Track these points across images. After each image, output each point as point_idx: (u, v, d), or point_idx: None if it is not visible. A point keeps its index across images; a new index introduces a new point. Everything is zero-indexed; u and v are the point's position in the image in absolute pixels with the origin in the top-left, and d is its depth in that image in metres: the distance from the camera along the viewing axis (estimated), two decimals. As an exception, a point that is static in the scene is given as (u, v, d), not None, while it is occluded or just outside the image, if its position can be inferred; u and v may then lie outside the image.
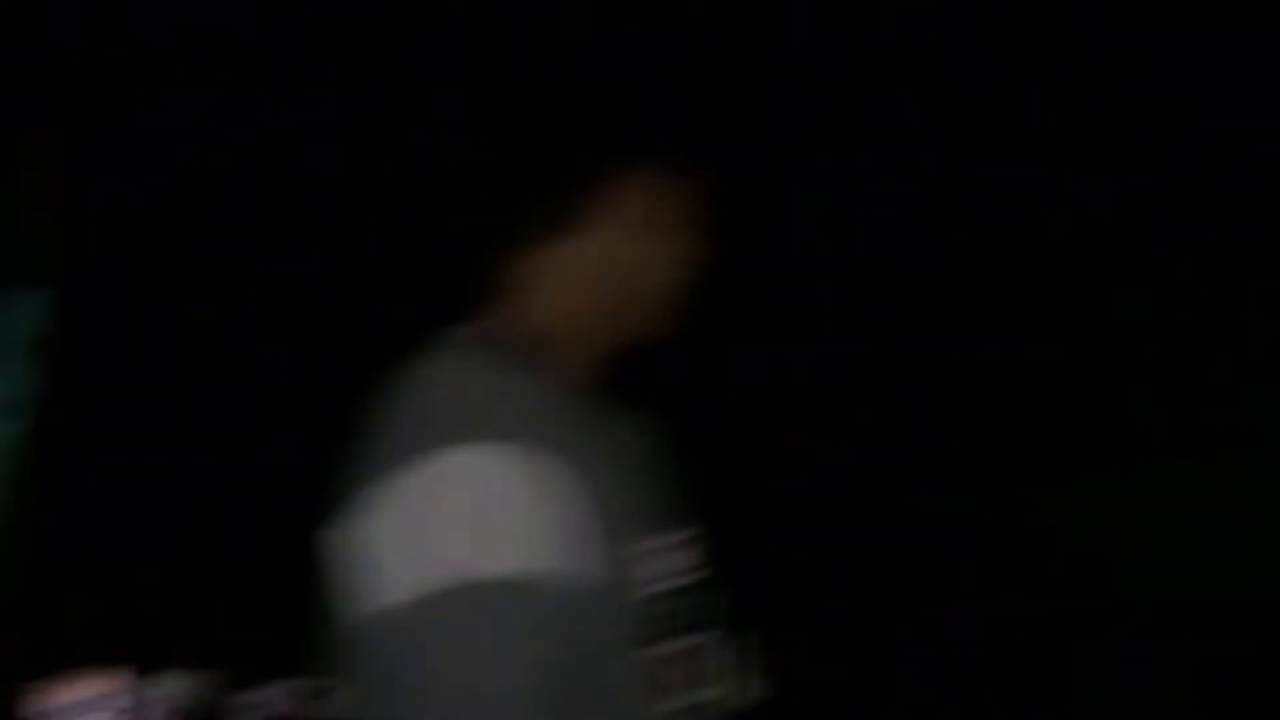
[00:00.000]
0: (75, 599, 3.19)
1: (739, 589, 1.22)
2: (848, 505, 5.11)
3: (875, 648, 4.13)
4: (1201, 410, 5.13)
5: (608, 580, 1.04)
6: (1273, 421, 4.94)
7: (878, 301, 4.52)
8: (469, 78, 1.29)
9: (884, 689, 3.90)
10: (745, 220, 1.27)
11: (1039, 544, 4.91)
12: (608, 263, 1.18)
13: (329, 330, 3.47)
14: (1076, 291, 4.97)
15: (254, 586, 3.33)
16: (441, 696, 0.93)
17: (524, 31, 1.28)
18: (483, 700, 0.93)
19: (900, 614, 4.50)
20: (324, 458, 1.14)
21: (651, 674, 1.09)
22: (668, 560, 1.16)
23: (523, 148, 1.20)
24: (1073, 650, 4.12)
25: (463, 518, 0.97)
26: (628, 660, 1.07)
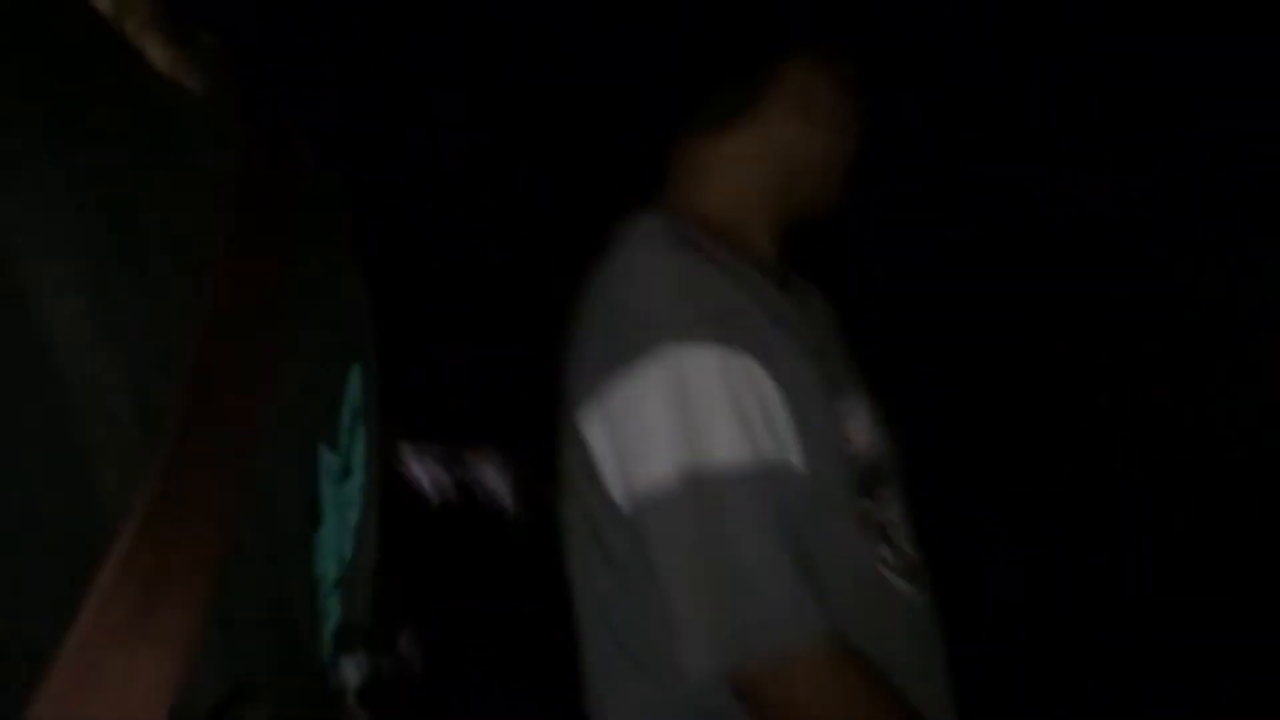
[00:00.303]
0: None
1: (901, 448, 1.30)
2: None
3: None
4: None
5: (825, 451, 1.11)
6: None
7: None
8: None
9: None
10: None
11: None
12: (776, 148, 1.24)
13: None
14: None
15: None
16: (701, 578, 1.00)
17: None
18: (740, 578, 1.00)
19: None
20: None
21: (871, 523, 1.15)
22: (857, 420, 1.22)
23: (693, 45, 1.24)
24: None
25: (696, 412, 1.02)
26: (849, 523, 1.13)
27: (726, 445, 1.01)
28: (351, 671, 0.63)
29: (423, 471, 5.39)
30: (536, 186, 3.98)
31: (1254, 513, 4.72)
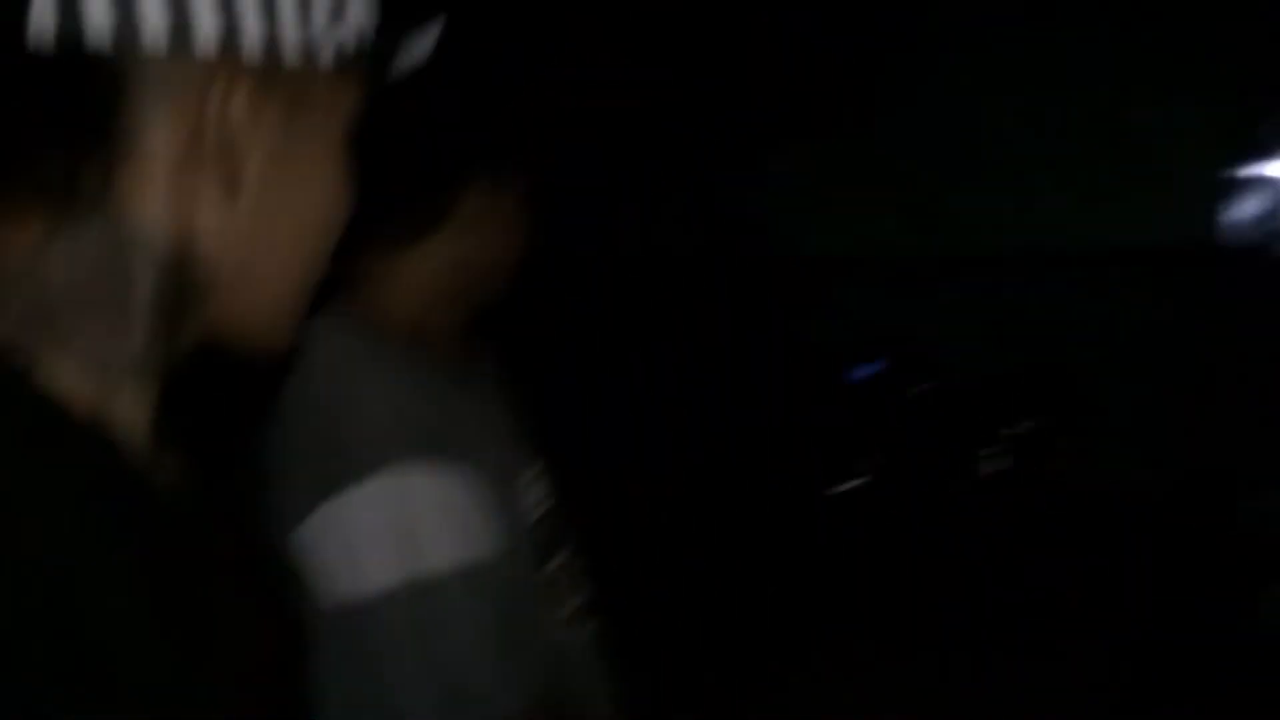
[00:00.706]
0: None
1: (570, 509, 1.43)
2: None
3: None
4: None
5: (518, 538, 1.24)
6: None
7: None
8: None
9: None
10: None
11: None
12: (459, 259, 1.35)
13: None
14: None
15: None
16: (424, 675, 1.09)
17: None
18: (457, 670, 1.11)
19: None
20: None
21: (546, 591, 1.31)
22: (534, 489, 1.37)
23: (385, 161, 1.23)
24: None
25: (414, 527, 1.13)
26: (537, 587, 1.28)
27: (441, 552, 1.13)
28: None
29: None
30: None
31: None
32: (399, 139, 1.28)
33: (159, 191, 0.64)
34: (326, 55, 0.68)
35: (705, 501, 6.69)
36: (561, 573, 1.37)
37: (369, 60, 0.73)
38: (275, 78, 0.66)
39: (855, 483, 7.03)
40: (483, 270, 1.40)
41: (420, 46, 0.77)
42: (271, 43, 0.64)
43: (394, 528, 1.13)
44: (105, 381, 0.64)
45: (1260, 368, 7.57)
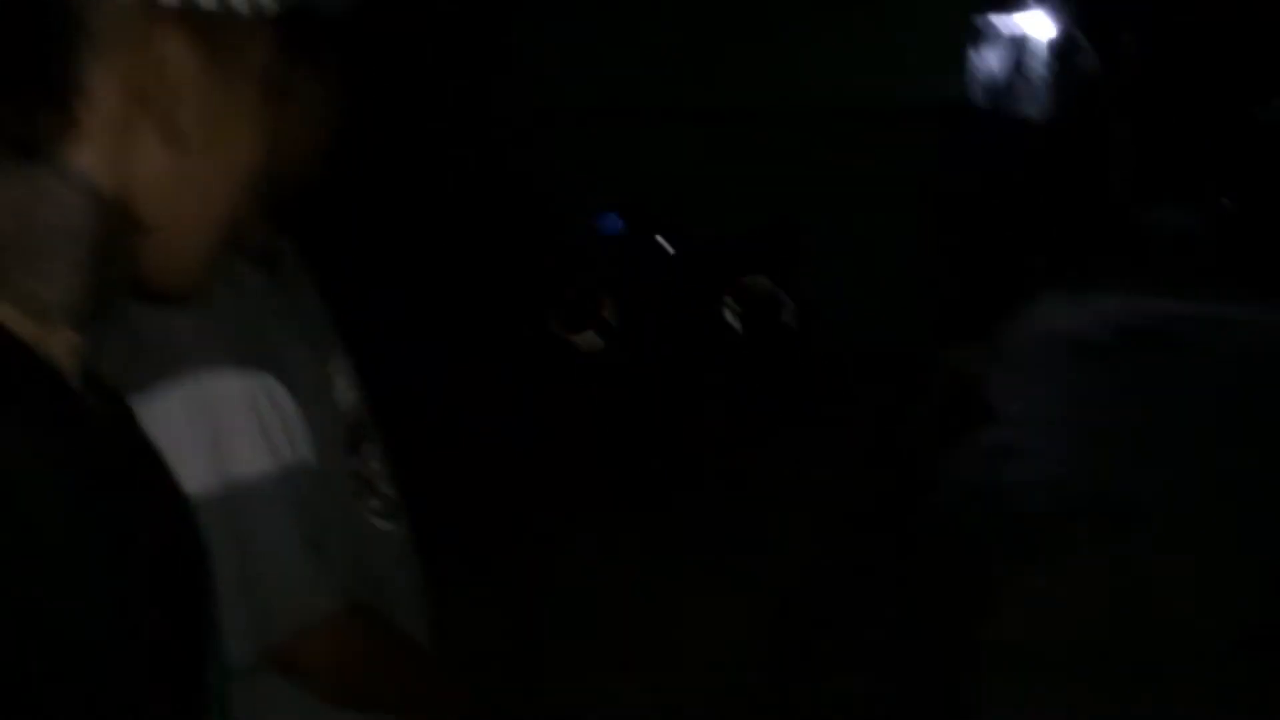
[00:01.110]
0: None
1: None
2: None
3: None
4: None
5: (327, 434, 1.22)
6: None
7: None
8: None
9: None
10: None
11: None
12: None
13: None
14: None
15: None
16: (235, 578, 1.08)
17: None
18: (266, 571, 1.11)
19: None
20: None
21: (355, 484, 1.30)
22: (340, 380, 1.34)
23: None
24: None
25: (220, 432, 1.12)
26: (346, 487, 1.26)
27: (249, 459, 1.12)
28: None
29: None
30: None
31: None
32: None
33: (97, 140, 0.65)
34: (268, 5, 0.69)
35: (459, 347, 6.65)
36: (370, 464, 1.36)
37: (299, 12, 0.74)
38: (211, 24, 0.67)
39: (596, 338, 7.16)
40: (291, 154, 1.31)
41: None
42: None
43: (200, 436, 1.13)
44: (41, 324, 0.66)
45: (983, 225, 8.14)
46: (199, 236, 0.74)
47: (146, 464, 0.80)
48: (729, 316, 6.99)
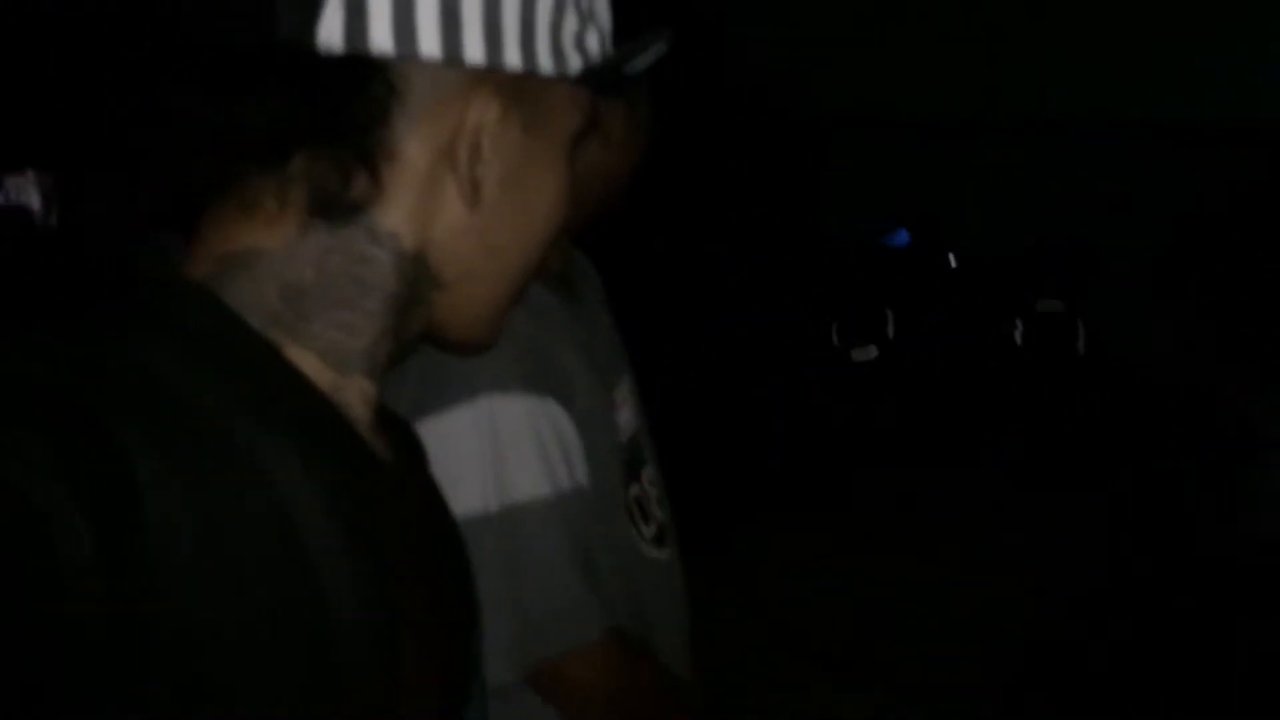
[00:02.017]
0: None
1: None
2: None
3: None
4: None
5: (606, 461, 1.24)
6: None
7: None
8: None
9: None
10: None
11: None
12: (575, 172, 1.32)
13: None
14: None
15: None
16: (504, 597, 1.11)
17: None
18: (536, 593, 1.14)
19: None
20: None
21: (634, 507, 1.31)
22: (624, 404, 1.35)
23: None
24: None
25: (503, 454, 1.14)
26: (621, 514, 1.27)
27: (527, 482, 1.14)
28: None
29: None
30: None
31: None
32: None
33: (404, 198, 0.67)
34: (574, 66, 0.70)
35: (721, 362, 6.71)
36: (647, 490, 1.36)
37: (608, 73, 0.74)
38: (516, 85, 0.69)
39: (875, 352, 7.06)
40: (602, 184, 1.32)
41: (648, 58, 0.77)
42: (528, 54, 0.67)
43: (482, 457, 1.14)
44: (339, 373, 0.69)
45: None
46: (492, 291, 0.75)
47: (426, 504, 0.82)
48: (1017, 338, 6.73)
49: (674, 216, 7.60)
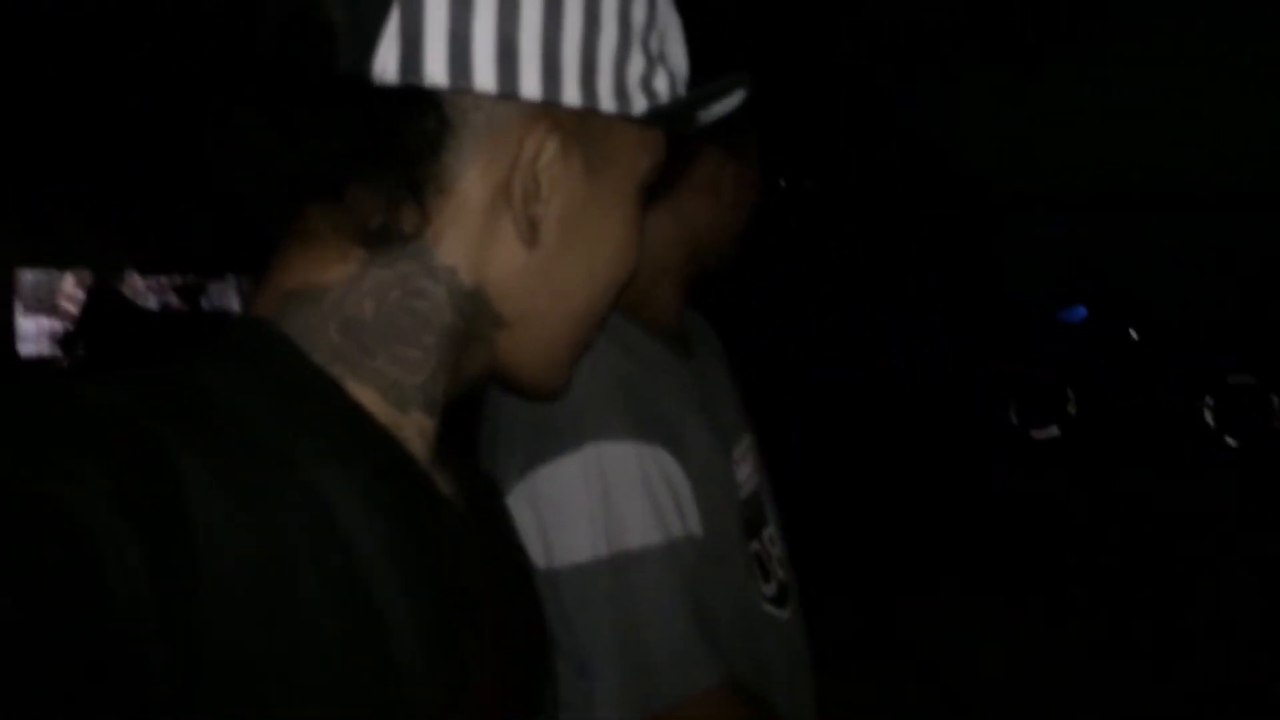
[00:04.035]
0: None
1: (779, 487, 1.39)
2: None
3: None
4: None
5: (722, 514, 1.21)
6: None
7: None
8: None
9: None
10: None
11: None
12: (689, 228, 1.31)
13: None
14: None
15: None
16: (615, 644, 1.10)
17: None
18: (647, 641, 1.12)
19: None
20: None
21: (756, 563, 1.28)
22: (743, 462, 1.33)
23: None
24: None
25: (613, 502, 1.13)
26: (739, 569, 1.24)
27: (638, 530, 1.13)
28: None
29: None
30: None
31: None
32: None
33: (465, 233, 0.67)
34: (639, 106, 0.69)
35: (902, 442, 6.62)
36: (768, 549, 1.34)
37: (676, 116, 0.73)
38: (586, 128, 0.68)
39: (1056, 430, 6.86)
40: (715, 240, 1.33)
41: (724, 105, 0.75)
42: (589, 92, 0.66)
43: (591, 505, 1.14)
44: (398, 409, 0.69)
45: None
46: (556, 333, 0.74)
47: (493, 544, 0.80)
48: (1208, 416, 6.43)
49: (858, 293, 7.61)
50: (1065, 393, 6.88)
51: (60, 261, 9.41)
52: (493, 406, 1.21)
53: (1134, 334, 6.78)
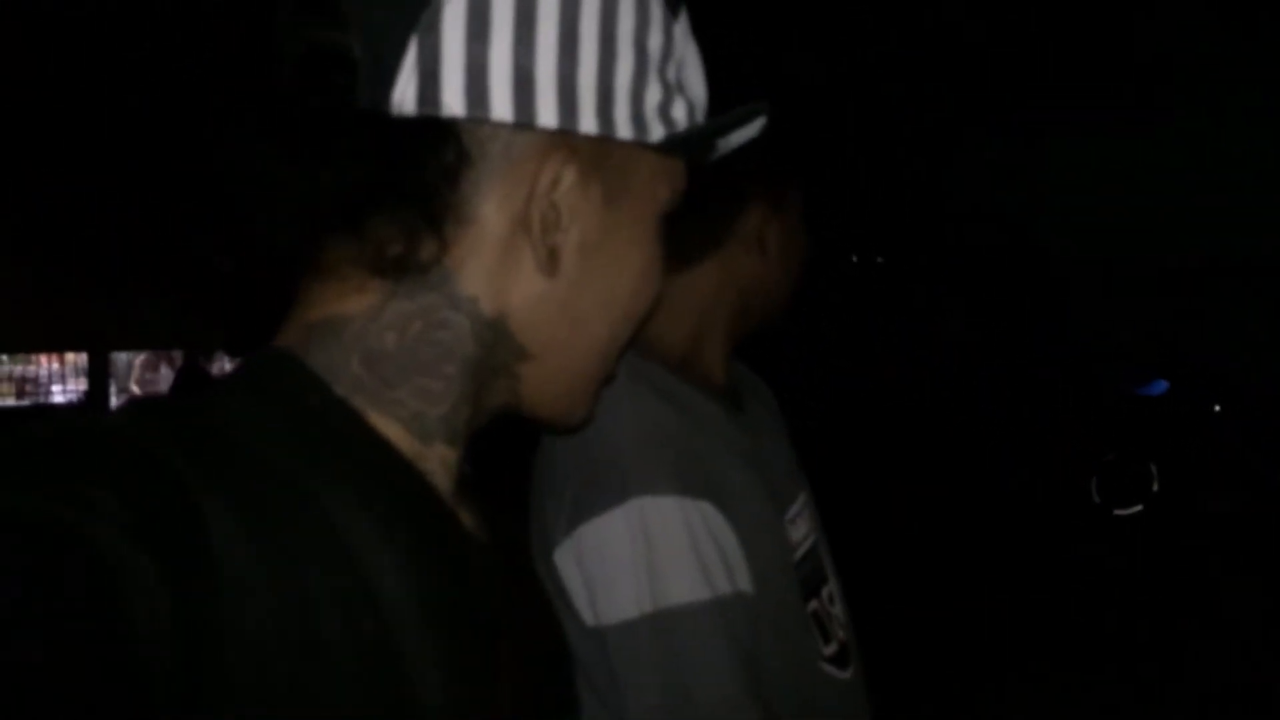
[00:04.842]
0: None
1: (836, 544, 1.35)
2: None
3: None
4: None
5: (774, 572, 1.18)
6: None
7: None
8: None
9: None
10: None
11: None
12: (735, 283, 1.30)
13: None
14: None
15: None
16: (659, 703, 1.08)
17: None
18: (694, 697, 1.08)
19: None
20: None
21: (814, 623, 1.25)
22: (798, 521, 1.30)
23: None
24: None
25: (658, 558, 1.09)
26: (795, 629, 1.21)
27: (685, 587, 1.09)
28: None
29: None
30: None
31: None
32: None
33: (485, 263, 0.66)
34: (656, 134, 0.68)
35: (975, 518, 6.52)
36: (825, 609, 1.31)
37: (695, 144, 0.72)
38: (605, 157, 0.68)
39: (1139, 508, 6.70)
40: (762, 295, 1.32)
41: (743, 133, 0.75)
42: (605, 120, 0.66)
43: (636, 560, 1.11)
44: (421, 441, 0.68)
45: None
46: (578, 364, 0.73)
47: (515, 580, 0.79)
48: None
49: (933, 368, 7.57)
50: (1148, 469, 6.74)
51: (152, 343, 9.72)
52: (546, 458, 1.20)
53: (1217, 408, 6.65)
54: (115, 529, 0.49)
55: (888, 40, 5.19)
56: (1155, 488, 6.70)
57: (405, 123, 0.62)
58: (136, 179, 6.69)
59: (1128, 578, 5.85)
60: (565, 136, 0.65)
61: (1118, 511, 6.80)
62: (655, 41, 0.68)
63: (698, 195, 1.15)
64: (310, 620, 0.56)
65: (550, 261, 0.67)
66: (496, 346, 0.68)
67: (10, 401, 9.34)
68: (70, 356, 9.63)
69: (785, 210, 1.33)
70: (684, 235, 1.15)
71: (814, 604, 1.27)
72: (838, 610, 1.32)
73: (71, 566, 0.47)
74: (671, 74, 0.69)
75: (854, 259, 7.74)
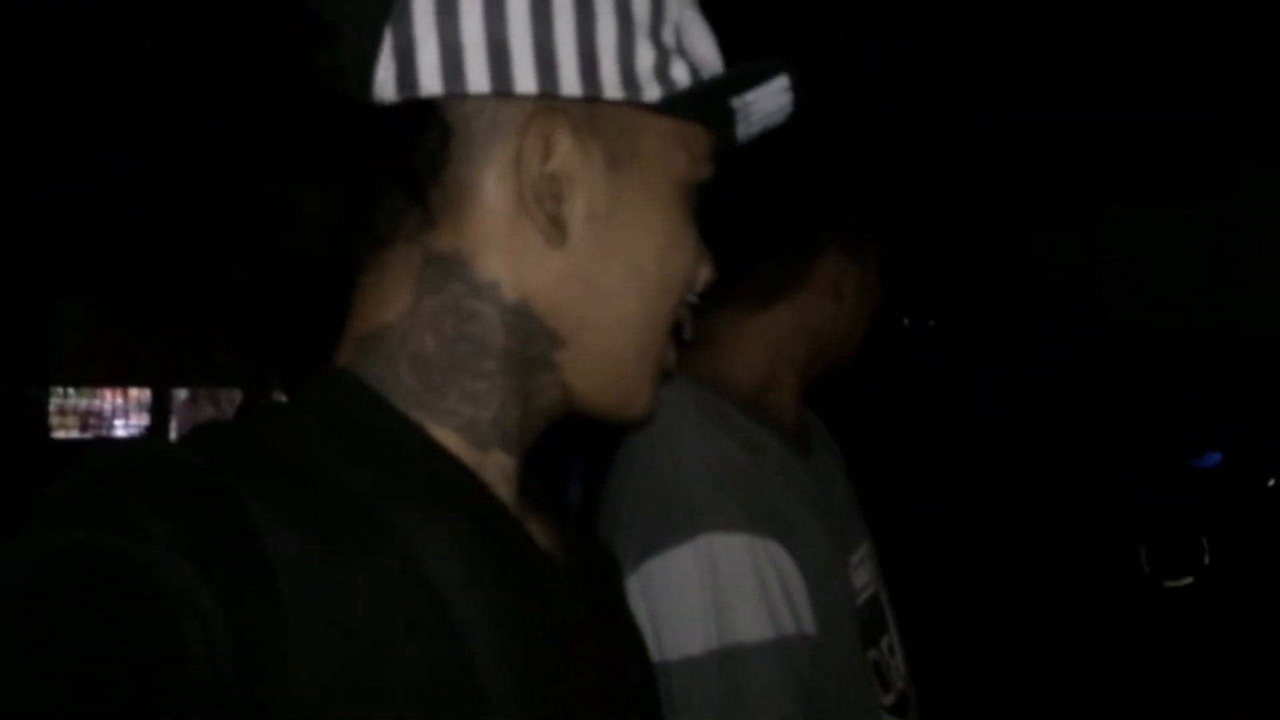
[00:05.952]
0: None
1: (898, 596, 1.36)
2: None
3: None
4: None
5: (837, 617, 1.19)
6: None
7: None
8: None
9: None
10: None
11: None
12: (810, 326, 1.31)
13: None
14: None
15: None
16: None
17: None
18: None
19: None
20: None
21: (866, 675, 1.24)
22: (861, 568, 1.30)
23: (739, 228, 1.20)
24: None
25: (724, 596, 1.09)
26: (855, 676, 1.21)
27: (750, 625, 1.09)
28: None
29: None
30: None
31: None
32: (753, 198, 1.22)
33: (496, 244, 0.65)
34: (653, 93, 0.66)
35: (1027, 586, 6.44)
36: (885, 659, 1.29)
37: (704, 102, 0.69)
38: (600, 120, 0.66)
39: (1190, 580, 6.58)
40: (836, 339, 1.33)
41: (777, 106, 0.72)
42: (590, 82, 0.64)
43: (703, 596, 1.10)
44: (479, 450, 0.67)
45: None
46: (614, 344, 0.69)
47: (591, 592, 0.76)
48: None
49: (981, 435, 7.51)
50: (1200, 541, 6.62)
51: (211, 380, 9.88)
52: (613, 489, 1.20)
53: (1271, 482, 6.53)
54: (173, 558, 0.48)
55: (952, 103, 5.23)
56: (1206, 560, 6.58)
57: (387, 110, 0.62)
58: (207, 218, 6.87)
59: (1175, 649, 5.74)
60: (548, 101, 0.64)
61: (1168, 583, 6.67)
62: (641, 5, 0.66)
63: (776, 238, 1.23)
64: (385, 655, 0.54)
65: (555, 231, 0.65)
66: (530, 336, 0.67)
67: (75, 434, 9.50)
68: (133, 391, 9.80)
69: (863, 261, 1.34)
70: (762, 277, 1.25)
71: (874, 653, 1.26)
72: (897, 661, 1.31)
73: (126, 596, 0.47)
74: (668, 37, 0.67)
75: (905, 321, 7.74)
